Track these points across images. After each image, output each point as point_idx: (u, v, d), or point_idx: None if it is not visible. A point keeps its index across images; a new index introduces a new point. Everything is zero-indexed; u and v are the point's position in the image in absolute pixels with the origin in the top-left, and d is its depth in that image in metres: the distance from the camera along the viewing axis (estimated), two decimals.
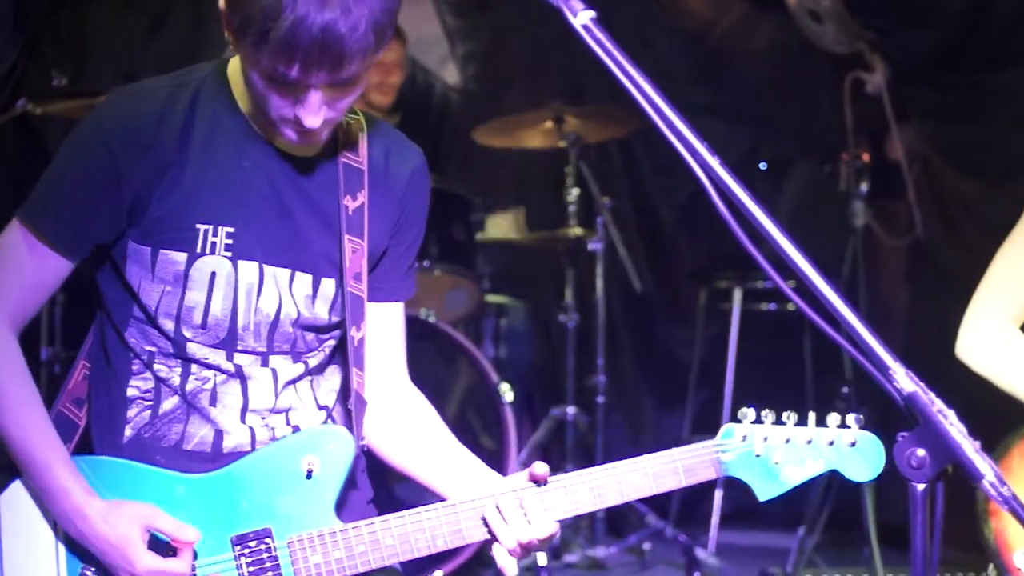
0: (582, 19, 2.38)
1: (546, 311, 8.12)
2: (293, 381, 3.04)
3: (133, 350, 2.98)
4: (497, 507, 2.86)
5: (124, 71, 7.61)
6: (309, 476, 2.91)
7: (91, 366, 3.08)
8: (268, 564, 2.87)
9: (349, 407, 3.03)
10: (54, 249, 2.91)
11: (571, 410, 7.16)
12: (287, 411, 3.03)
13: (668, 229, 8.46)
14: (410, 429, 3.14)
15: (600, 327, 7.42)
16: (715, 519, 7.16)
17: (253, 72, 2.78)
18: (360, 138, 3.07)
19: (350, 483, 2.98)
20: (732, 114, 8.12)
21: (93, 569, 2.88)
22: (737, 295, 7.67)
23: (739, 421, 2.88)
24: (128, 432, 2.98)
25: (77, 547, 2.88)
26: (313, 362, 3.06)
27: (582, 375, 7.46)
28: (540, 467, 2.85)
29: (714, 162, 2.32)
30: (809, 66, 8.13)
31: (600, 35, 2.37)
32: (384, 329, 3.16)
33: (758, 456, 2.88)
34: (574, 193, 7.27)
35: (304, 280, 3.00)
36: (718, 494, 7.18)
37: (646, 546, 7.07)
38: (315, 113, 2.79)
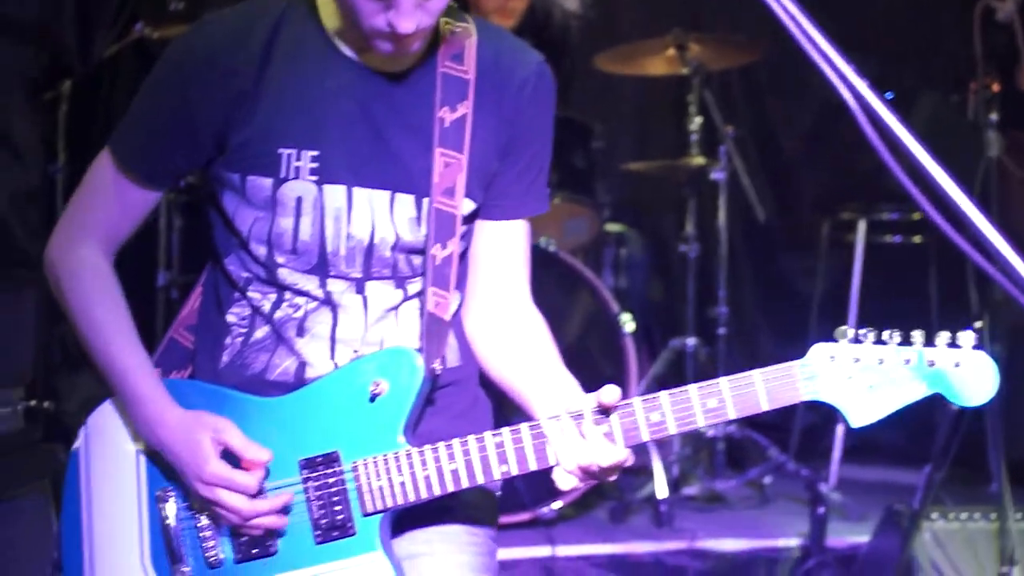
0: None
1: (666, 241, 8.06)
2: (392, 309, 2.97)
3: (231, 277, 2.97)
4: (558, 430, 2.74)
5: None
6: (375, 399, 2.85)
7: (203, 292, 3.10)
8: (334, 487, 2.84)
9: (424, 328, 2.94)
10: (135, 180, 2.93)
11: (691, 341, 7.09)
12: (380, 343, 2.96)
13: (790, 159, 8.35)
14: (517, 349, 3.03)
15: (722, 257, 7.33)
16: (836, 453, 7.06)
17: None
18: (467, 46, 2.95)
19: (421, 406, 2.90)
20: (856, 44, 7.94)
21: (172, 488, 2.90)
22: (861, 227, 7.52)
23: (835, 340, 2.69)
24: (224, 359, 2.98)
25: (158, 467, 2.91)
26: (413, 288, 2.98)
27: (702, 306, 7.36)
28: (609, 393, 2.71)
29: (861, 84, 2.19)
30: None
31: None
32: (503, 248, 3.06)
33: (849, 378, 2.67)
34: (696, 122, 7.17)
35: (406, 201, 2.91)
36: (840, 428, 7.08)
37: (766, 480, 6.98)
38: (408, 16, 2.72)
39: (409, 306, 2.98)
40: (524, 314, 3.08)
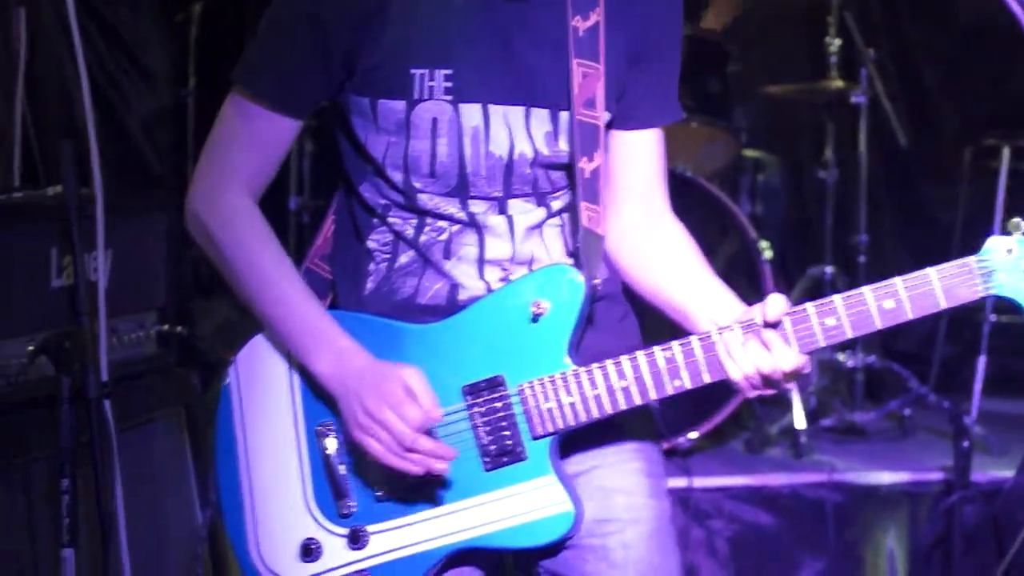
0: None
1: (804, 167, 7.94)
2: (536, 227, 2.90)
3: (367, 204, 2.91)
4: (730, 339, 2.68)
5: None
6: (537, 319, 2.78)
7: (336, 221, 3.03)
8: (501, 412, 2.78)
9: (578, 244, 2.86)
10: (274, 110, 2.85)
11: (829, 269, 6.98)
12: (530, 261, 2.90)
13: (932, 83, 8.15)
14: (667, 261, 2.96)
15: (862, 183, 7.19)
16: (978, 385, 6.89)
17: None
18: None
19: (584, 324, 2.82)
20: None
21: (332, 422, 2.84)
22: (1005, 154, 7.31)
23: (1008, 234, 2.59)
24: (369, 286, 2.92)
25: (314, 401, 2.86)
26: (557, 204, 2.91)
27: (840, 234, 7.22)
28: (775, 304, 2.64)
29: None
30: None
31: None
32: (642, 158, 2.98)
33: None
34: (836, 44, 7.03)
35: (541, 116, 2.83)
36: (981, 359, 6.93)
37: (906, 412, 6.87)
38: None
39: (552, 223, 2.92)
40: (668, 225, 3.01)
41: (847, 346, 6.82)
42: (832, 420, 6.77)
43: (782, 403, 6.44)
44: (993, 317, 7.04)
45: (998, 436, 6.53)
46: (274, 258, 2.87)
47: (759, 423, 6.52)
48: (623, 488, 2.91)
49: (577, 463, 2.87)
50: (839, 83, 7.03)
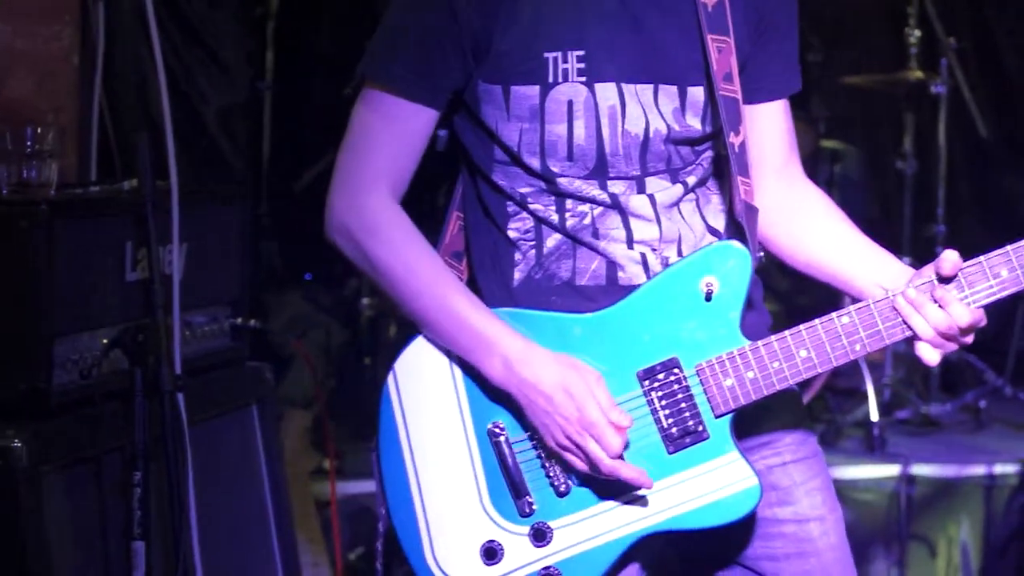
0: None
1: (883, 157, 7.88)
2: (674, 204, 2.87)
3: (504, 192, 2.87)
4: (909, 300, 2.68)
5: None
6: (709, 298, 2.76)
7: (465, 216, 2.99)
8: (680, 395, 2.76)
9: (739, 219, 2.85)
10: (414, 99, 2.79)
11: (907, 260, 6.88)
12: (677, 240, 2.87)
13: (1014, 72, 8.06)
14: (818, 229, 2.96)
15: (941, 175, 7.14)
16: None
17: None
18: None
19: (749, 302, 2.80)
20: None
21: (502, 420, 2.81)
22: None
23: None
24: (517, 275, 2.88)
25: (482, 402, 2.81)
26: (691, 180, 2.89)
27: (918, 225, 7.16)
28: (950, 260, 2.66)
29: None
30: None
31: None
32: (770, 129, 2.98)
33: None
34: (916, 34, 6.99)
35: (669, 92, 2.82)
36: None
37: (982, 404, 6.82)
38: None
39: (688, 199, 2.90)
40: (812, 194, 3.02)
41: None
42: (907, 412, 6.74)
43: (857, 395, 6.41)
44: None
45: None
46: (430, 263, 2.81)
47: (833, 415, 6.50)
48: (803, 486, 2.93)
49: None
50: (919, 73, 6.98)
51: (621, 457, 2.71)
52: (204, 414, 3.76)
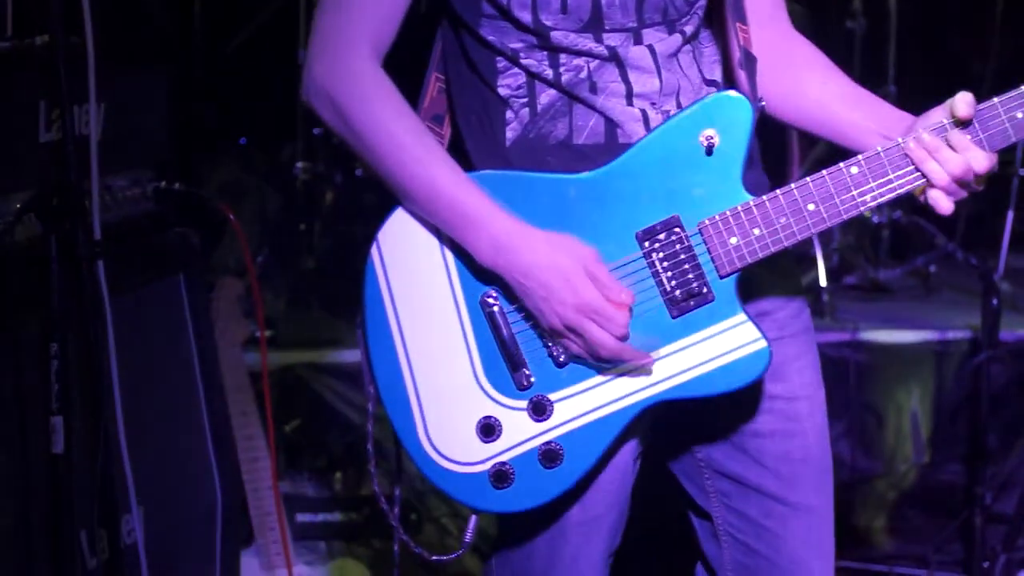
0: None
1: (831, 16, 7.80)
2: (673, 54, 2.75)
3: (493, 47, 2.74)
4: (923, 145, 2.61)
5: None
6: (710, 152, 2.66)
7: (446, 76, 2.87)
8: (682, 255, 2.67)
9: (738, 67, 2.76)
10: None
11: None
12: (676, 93, 2.76)
13: None
14: (813, 79, 2.90)
15: (892, 34, 7.14)
16: (1005, 242, 6.84)
17: None
18: None
19: (750, 154, 2.70)
20: None
21: (495, 291, 2.71)
22: None
23: None
24: (509, 135, 2.76)
25: (472, 273, 2.71)
26: (689, 29, 2.77)
27: (868, 83, 7.04)
28: (964, 102, 2.59)
29: None
30: None
31: None
32: None
33: None
34: None
35: None
36: (1009, 215, 6.85)
37: (932, 269, 6.85)
38: None
39: (686, 50, 2.79)
40: (804, 45, 2.95)
41: None
42: (856, 278, 6.77)
43: (805, 261, 6.38)
44: (1022, 171, 6.95)
45: None
46: (415, 133, 2.69)
47: None
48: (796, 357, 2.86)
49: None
50: None
51: (625, 338, 2.63)
52: (126, 282, 3.60)
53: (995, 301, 5.60)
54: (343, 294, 6.45)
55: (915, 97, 7.63)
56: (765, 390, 2.83)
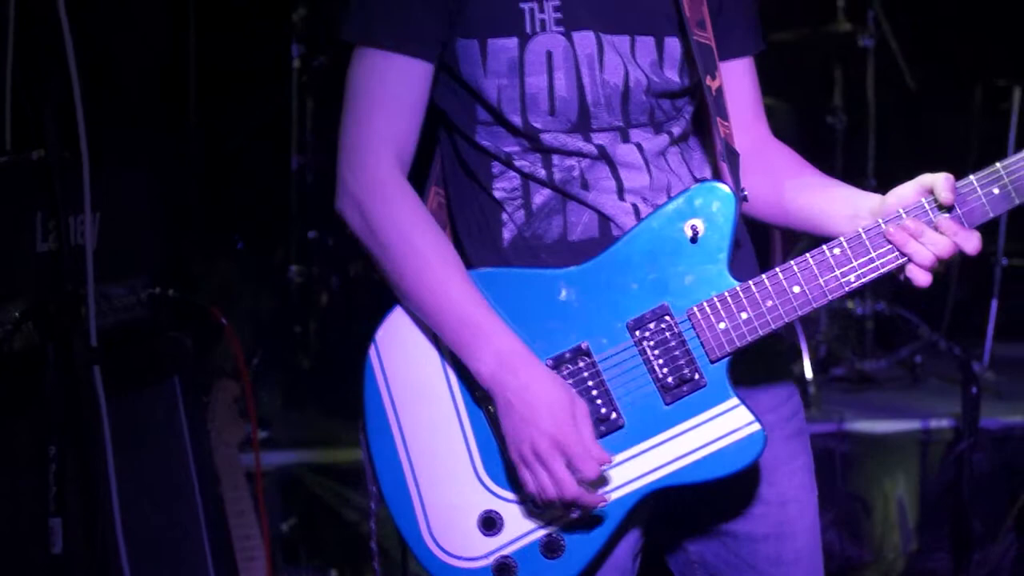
0: None
1: (812, 112, 7.88)
2: (661, 152, 2.84)
3: (488, 152, 2.83)
4: (906, 228, 2.66)
5: None
6: (695, 240, 2.72)
7: (445, 189, 2.94)
8: (673, 342, 2.71)
9: (720, 159, 2.81)
10: (409, 52, 2.76)
11: None
12: (667, 189, 2.83)
13: (943, 24, 8.07)
14: (786, 179, 2.92)
15: (871, 128, 7.18)
16: (990, 330, 6.90)
17: None
18: None
19: (735, 241, 2.76)
20: None
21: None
22: (1016, 94, 7.27)
23: None
24: (506, 235, 2.83)
25: (468, 373, 2.75)
26: (676, 130, 2.86)
27: (850, 179, 7.12)
28: (945, 184, 2.67)
29: None
30: None
31: None
32: (737, 86, 2.94)
33: None
34: None
35: (646, 44, 2.80)
36: (993, 303, 6.92)
37: (917, 359, 6.87)
38: None
39: (673, 150, 2.87)
40: (779, 148, 3.00)
41: (857, 293, 6.78)
42: (842, 369, 6.78)
43: (790, 352, 6.39)
44: (1004, 260, 7.02)
45: (1010, 381, 6.55)
46: (434, 241, 2.76)
47: None
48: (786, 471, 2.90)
49: None
50: (847, 26, 7.02)
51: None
52: (123, 386, 3.66)
53: (974, 390, 5.65)
54: (338, 394, 6.52)
55: (896, 186, 7.76)
56: (758, 493, 2.87)
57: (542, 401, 2.66)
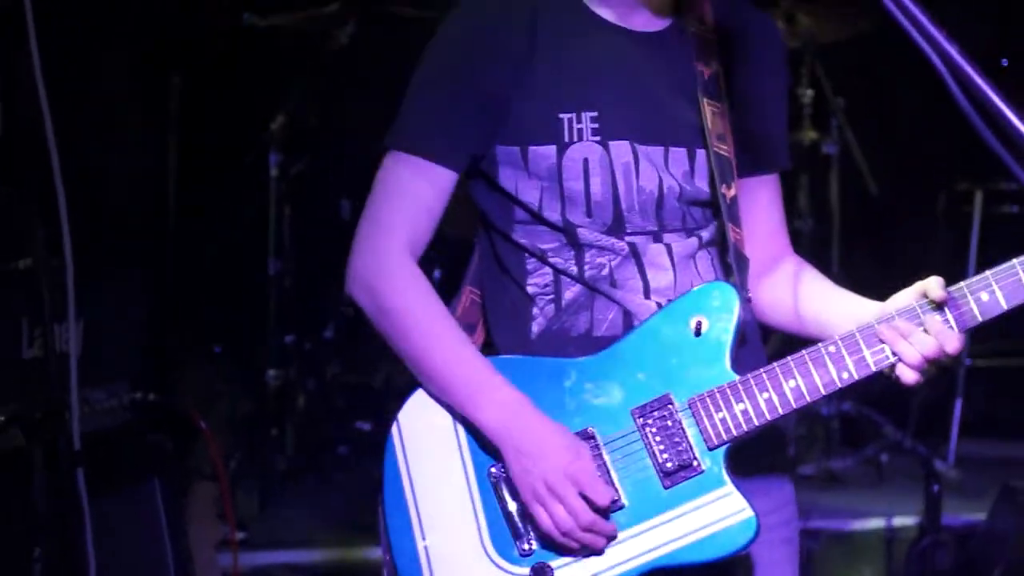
0: None
1: None
2: (691, 256, 2.99)
3: (525, 249, 2.99)
4: (896, 328, 2.77)
5: None
6: (699, 334, 2.85)
7: (482, 290, 3.10)
8: (673, 429, 2.83)
9: (729, 262, 2.96)
10: (437, 161, 2.93)
11: None
12: (690, 288, 2.96)
13: (905, 130, 8.20)
14: (797, 290, 3.07)
15: (835, 233, 7.26)
16: (955, 429, 6.95)
17: None
18: (705, 8, 3.04)
19: (740, 339, 2.88)
20: (973, 7, 7.80)
21: (503, 467, 2.88)
22: (978, 198, 7.37)
23: None
24: (535, 328, 2.99)
25: (482, 448, 2.90)
26: (705, 235, 3.01)
27: None
28: (937, 286, 2.76)
29: (953, 52, 2.16)
30: None
31: None
32: (763, 202, 3.12)
33: None
34: (808, 95, 7.10)
35: (678, 155, 2.96)
36: (958, 403, 6.98)
37: (883, 458, 6.92)
38: None
39: (703, 254, 3.01)
40: (796, 261, 3.14)
41: None
42: (810, 468, 6.80)
43: None
44: (968, 361, 7.09)
45: (974, 479, 6.58)
46: (438, 315, 2.93)
47: None
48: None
49: None
50: (812, 134, 7.10)
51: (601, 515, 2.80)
52: (105, 489, 3.75)
53: (936, 488, 5.70)
54: (315, 496, 6.59)
55: (862, 293, 7.83)
56: None
57: (548, 440, 2.81)
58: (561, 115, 2.90)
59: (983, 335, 7.19)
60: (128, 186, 6.61)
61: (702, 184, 2.97)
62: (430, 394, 2.94)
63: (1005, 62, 7.64)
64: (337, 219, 6.96)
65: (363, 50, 6.91)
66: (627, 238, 2.93)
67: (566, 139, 2.90)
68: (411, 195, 2.94)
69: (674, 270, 2.96)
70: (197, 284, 7.24)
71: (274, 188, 6.80)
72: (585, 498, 2.78)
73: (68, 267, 3.61)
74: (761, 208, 3.10)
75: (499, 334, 3.03)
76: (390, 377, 6.84)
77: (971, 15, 7.58)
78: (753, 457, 2.92)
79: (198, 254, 7.35)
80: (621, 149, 2.91)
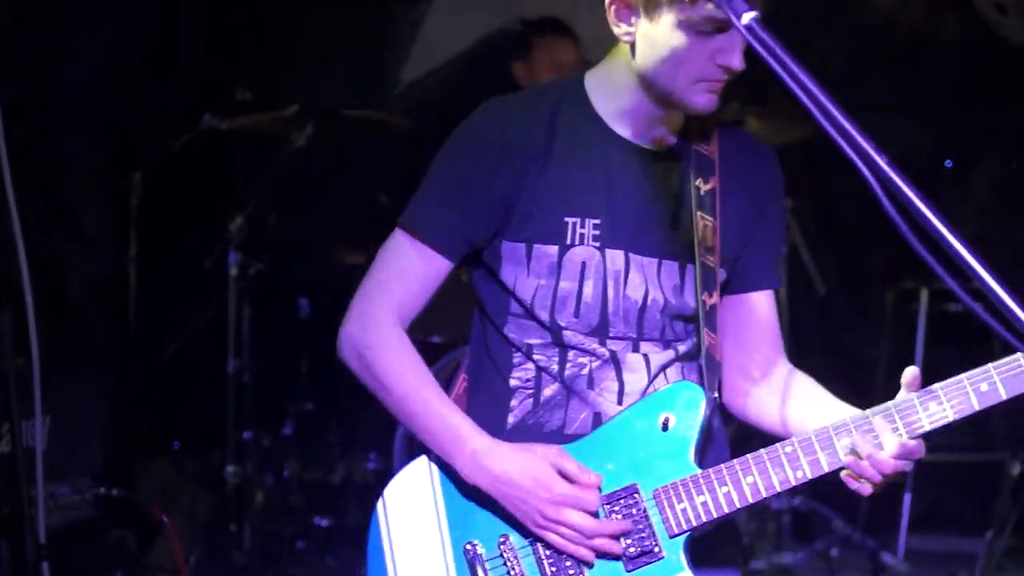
0: (745, 20, 2.40)
1: None
2: (664, 366, 3.17)
3: (514, 343, 3.18)
4: (848, 437, 2.94)
5: (307, 87, 7.72)
6: (666, 430, 3.03)
7: (469, 369, 3.31)
8: (638, 517, 3.01)
9: (700, 363, 3.15)
10: (437, 250, 3.14)
11: None
12: None
13: (852, 230, 8.33)
14: (787, 398, 3.24)
15: (784, 332, 7.23)
16: (904, 523, 7.00)
17: (678, 33, 2.96)
18: (712, 131, 3.22)
19: (706, 436, 3.08)
20: (916, 111, 7.96)
21: (477, 542, 3.06)
22: (924, 296, 7.47)
23: None
24: (511, 420, 3.19)
25: (459, 525, 3.09)
26: (682, 348, 3.20)
27: None
28: (911, 376, 2.96)
29: (882, 161, 2.30)
30: (995, 60, 7.94)
31: (764, 36, 2.39)
32: (761, 316, 3.31)
33: None
34: None
35: (671, 268, 3.16)
36: (907, 497, 7.04)
37: (833, 552, 6.93)
38: (740, 50, 2.97)
39: (676, 366, 3.19)
40: (790, 371, 3.32)
41: None
42: (761, 562, 6.83)
43: None
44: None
45: (923, 573, 6.65)
46: (420, 375, 3.13)
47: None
48: None
49: None
50: None
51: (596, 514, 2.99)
52: None
53: None
54: None
55: None
56: None
57: (523, 478, 3.00)
58: (567, 218, 3.10)
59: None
60: (89, 284, 6.64)
61: (689, 298, 3.15)
62: (413, 473, 3.14)
63: (949, 163, 7.79)
64: (295, 318, 7.05)
65: (320, 152, 7.00)
66: (609, 343, 3.12)
67: (568, 241, 3.10)
68: (408, 272, 3.15)
69: (649, 376, 3.14)
70: (157, 380, 7.29)
71: (233, 287, 6.84)
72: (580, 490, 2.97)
73: (35, 366, 3.68)
74: (760, 322, 3.30)
75: (476, 420, 3.16)
76: (349, 473, 6.91)
77: (914, 122, 7.76)
78: (709, 549, 3.10)
79: (158, 351, 7.41)
80: (616, 257, 3.11)
